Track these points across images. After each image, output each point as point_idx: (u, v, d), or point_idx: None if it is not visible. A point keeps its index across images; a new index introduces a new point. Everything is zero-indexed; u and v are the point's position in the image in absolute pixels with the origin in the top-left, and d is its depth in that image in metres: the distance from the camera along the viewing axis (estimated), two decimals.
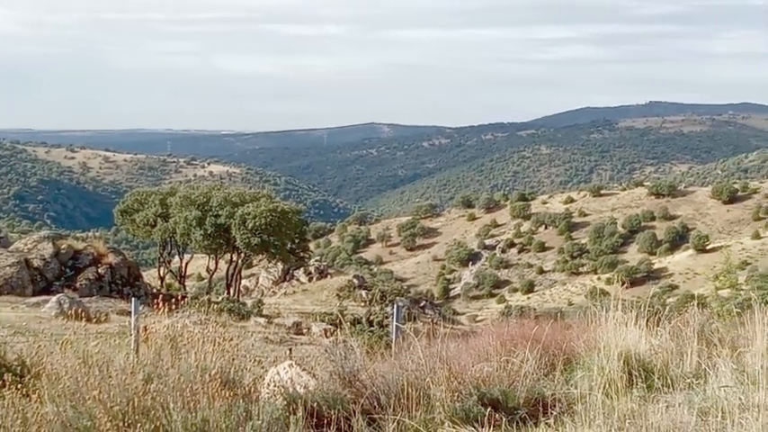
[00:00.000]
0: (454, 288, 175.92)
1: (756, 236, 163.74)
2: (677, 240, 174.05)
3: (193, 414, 8.73)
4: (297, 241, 75.54)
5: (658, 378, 10.49)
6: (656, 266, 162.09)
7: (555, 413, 9.62)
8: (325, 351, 10.80)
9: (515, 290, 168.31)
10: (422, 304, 75.19)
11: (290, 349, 24.76)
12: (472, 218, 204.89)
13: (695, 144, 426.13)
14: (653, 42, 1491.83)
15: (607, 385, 10.02)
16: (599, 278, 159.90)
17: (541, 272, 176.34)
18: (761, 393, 9.10)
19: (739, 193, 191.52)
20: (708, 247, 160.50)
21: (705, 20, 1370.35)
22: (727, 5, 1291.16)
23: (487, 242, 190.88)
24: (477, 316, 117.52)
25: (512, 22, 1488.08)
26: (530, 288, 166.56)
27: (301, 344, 36.33)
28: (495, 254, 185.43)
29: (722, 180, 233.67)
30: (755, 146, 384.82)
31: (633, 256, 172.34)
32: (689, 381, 10.21)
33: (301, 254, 77.51)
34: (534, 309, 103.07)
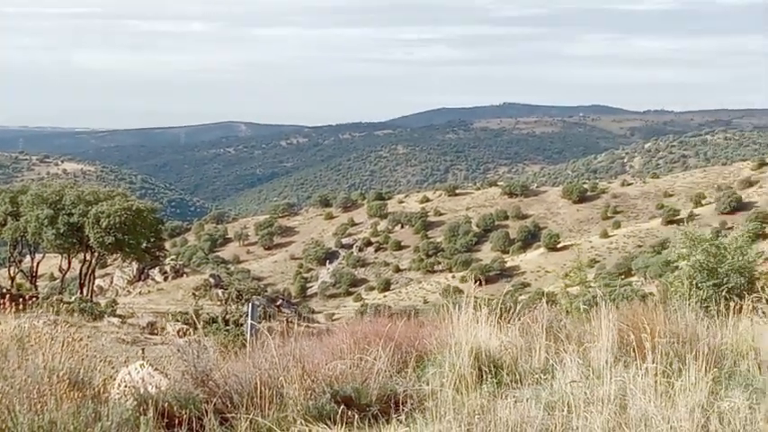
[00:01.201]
0: (311, 287, 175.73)
1: (604, 234, 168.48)
2: (529, 239, 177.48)
3: (40, 416, 8.53)
4: (152, 240, 74.53)
5: (508, 374, 10.68)
6: (508, 264, 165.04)
7: (406, 410, 9.73)
8: (178, 351, 10.69)
9: (372, 288, 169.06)
10: (279, 303, 75.01)
11: (143, 349, 24.40)
12: (329, 217, 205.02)
13: (547, 145, 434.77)
14: (507, 44, 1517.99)
15: (458, 381, 10.16)
16: (454, 276, 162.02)
17: (398, 270, 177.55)
18: (605, 387, 9.36)
19: (588, 193, 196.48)
20: (558, 246, 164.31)
21: (557, 23, 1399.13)
22: (578, 9, 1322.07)
23: (344, 241, 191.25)
24: (334, 314, 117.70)
25: (368, 22, 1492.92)
26: (386, 286, 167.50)
27: (155, 344, 35.81)
28: (352, 252, 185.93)
29: (572, 180, 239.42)
30: (604, 147, 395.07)
31: (487, 254, 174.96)
32: (537, 376, 10.41)
33: (157, 253, 76.54)
34: (390, 307, 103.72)
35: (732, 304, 12.59)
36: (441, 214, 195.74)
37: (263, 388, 9.66)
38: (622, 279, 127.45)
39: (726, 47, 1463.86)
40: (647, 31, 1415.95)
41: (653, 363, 9.50)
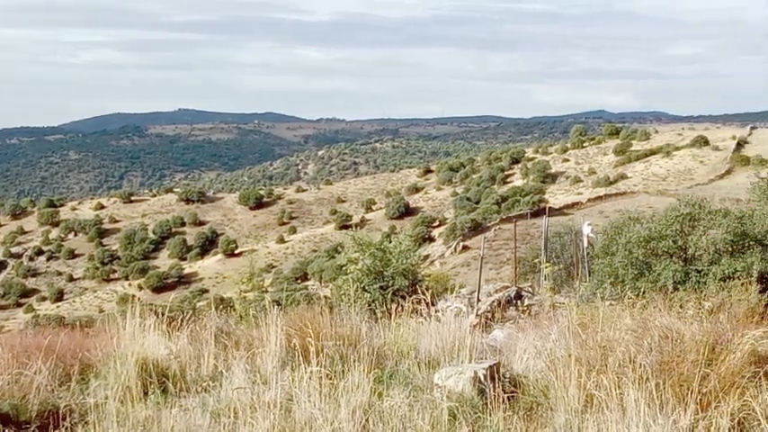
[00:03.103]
0: None
1: (281, 240, 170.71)
2: (207, 245, 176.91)
3: None
4: None
5: (176, 383, 10.55)
6: (187, 271, 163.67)
7: (67, 424, 9.40)
8: None
9: (44, 298, 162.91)
10: None
11: None
12: None
13: (223, 151, 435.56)
14: (181, 50, 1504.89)
15: (123, 393, 9.94)
16: (130, 284, 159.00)
17: (72, 279, 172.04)
18: (271, 392, 9.43)
19: (265, 199, 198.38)
20: (236, 252, 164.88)
21: (231, 30, 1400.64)
22: (245, 17, 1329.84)
23: (14, 250, 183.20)
24: (3, 327, 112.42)
25: (37, 23, 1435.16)
26: (59, 296, 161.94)
27: None
28: (21, 262, 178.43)
29: (249, 187, 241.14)
30: (279, 154, 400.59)
31: (164, 261, 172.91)
32: (205, 384, 10.34)
33: None
34: (64, 317, 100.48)
35: (395, 306, 13.05)
36: (116, 221, 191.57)
37: None
38: (299, 283, 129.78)
39: (392, 58, 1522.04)
40: (315, 41, 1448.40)
41: (318, 366, 9.66)
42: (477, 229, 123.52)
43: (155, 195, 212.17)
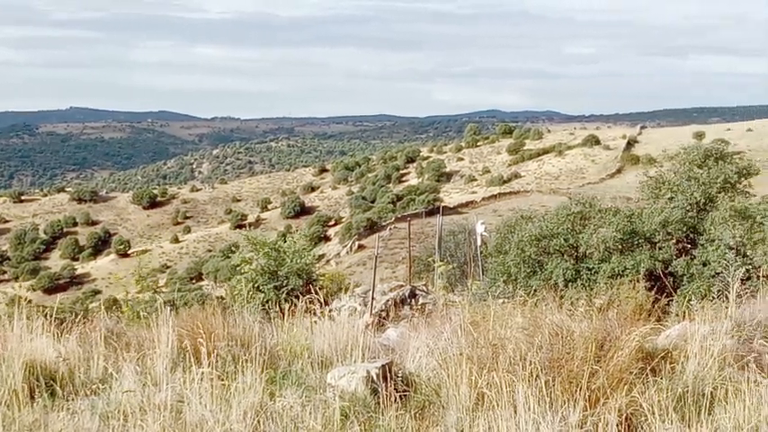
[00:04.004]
0: None
1: (175, 239, 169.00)
2: (100, 245, 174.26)
3: None
4: None
5: (65, 386, 10.37)
6: (79, 272, 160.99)
7: None
8: None
9: None
10: None
11: None
12: None
13: (116, 150, 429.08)
14: (75, 47, 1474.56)
15: (10, 397, 9.73)
16: (21, 285, 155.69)
17: None
18: (162, 394, 9.32)
19: (159, 199, 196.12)
20: (129, 252, 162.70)
21: (118, 28, 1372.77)
22: (139, 15, 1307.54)
23: None
24: None
25: None
26: None
27: None
28: None
29: (142, 186, 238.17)
30: (173, 153, 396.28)
31: (56, 261, 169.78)
32: (94, 386, 10.17)
33: None
34: None
35: (290, 306, 13.00)
36: (6, 221, 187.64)
37: None
38: (194, 283, 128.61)
39: (288, 58, 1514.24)
40: (211, 40, 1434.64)
41: (209, 367, 9.58)
42: (372, 228, 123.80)
43: (46, 195, 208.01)
